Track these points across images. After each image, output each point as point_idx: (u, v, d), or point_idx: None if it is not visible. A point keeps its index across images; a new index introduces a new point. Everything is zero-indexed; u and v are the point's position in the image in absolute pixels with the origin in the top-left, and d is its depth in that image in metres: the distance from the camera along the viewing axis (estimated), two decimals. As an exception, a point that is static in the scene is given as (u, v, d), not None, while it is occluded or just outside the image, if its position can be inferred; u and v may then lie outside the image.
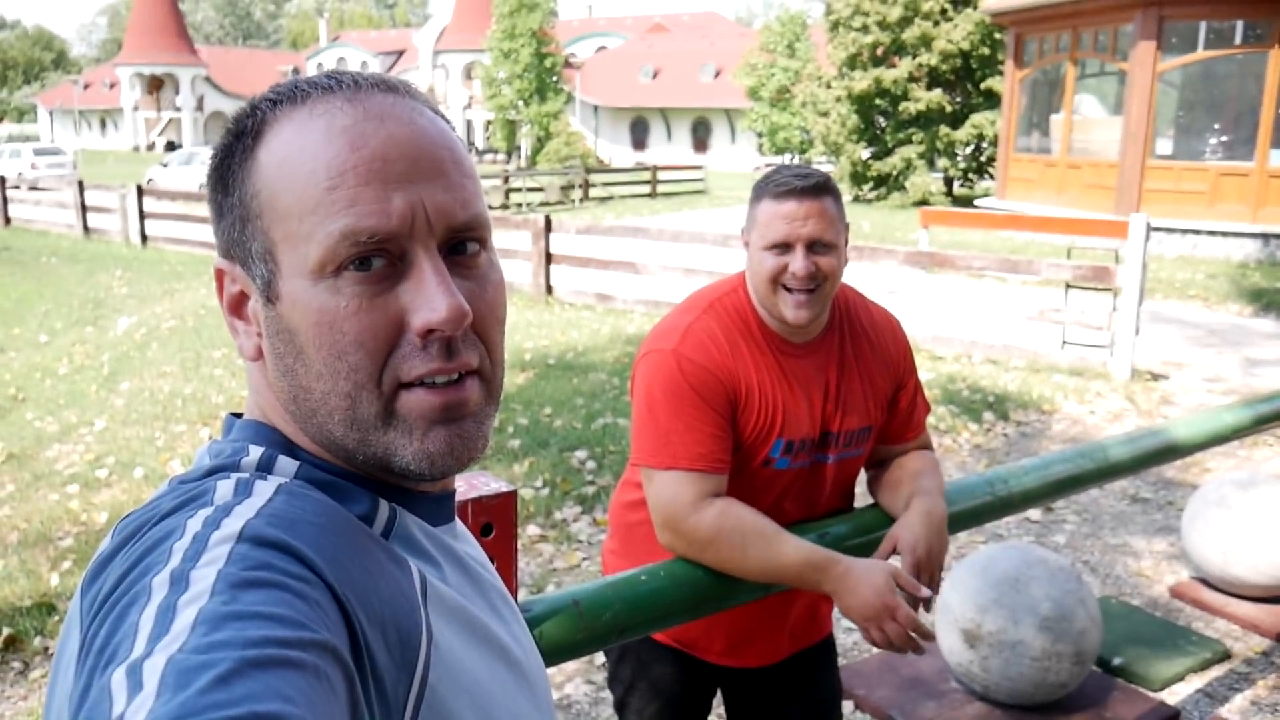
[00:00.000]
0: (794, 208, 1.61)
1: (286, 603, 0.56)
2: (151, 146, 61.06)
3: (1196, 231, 14.50)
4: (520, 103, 40.08)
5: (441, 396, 0.70)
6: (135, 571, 0.60)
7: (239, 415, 0.78)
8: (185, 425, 6.03)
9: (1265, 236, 14.11)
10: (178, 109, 61.54)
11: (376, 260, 0.68)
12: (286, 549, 0.60)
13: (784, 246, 1.61)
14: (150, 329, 9.14)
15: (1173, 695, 3.33)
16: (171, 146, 57.13)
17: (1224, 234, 14.36)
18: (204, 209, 17.35)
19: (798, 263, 1.60)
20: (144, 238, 15.89)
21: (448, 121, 0.76)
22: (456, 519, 0.85)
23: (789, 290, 1.61)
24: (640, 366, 1.67)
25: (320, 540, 0.63)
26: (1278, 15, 13.90)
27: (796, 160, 37.16)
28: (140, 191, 16.14)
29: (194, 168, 28.12)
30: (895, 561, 1.62)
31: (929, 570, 1.60)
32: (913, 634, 1.55)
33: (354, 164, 0.68)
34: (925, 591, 1.58)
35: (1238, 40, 14.46)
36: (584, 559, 4.28)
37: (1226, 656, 3.58)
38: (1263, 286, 11.88)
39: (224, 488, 0.66)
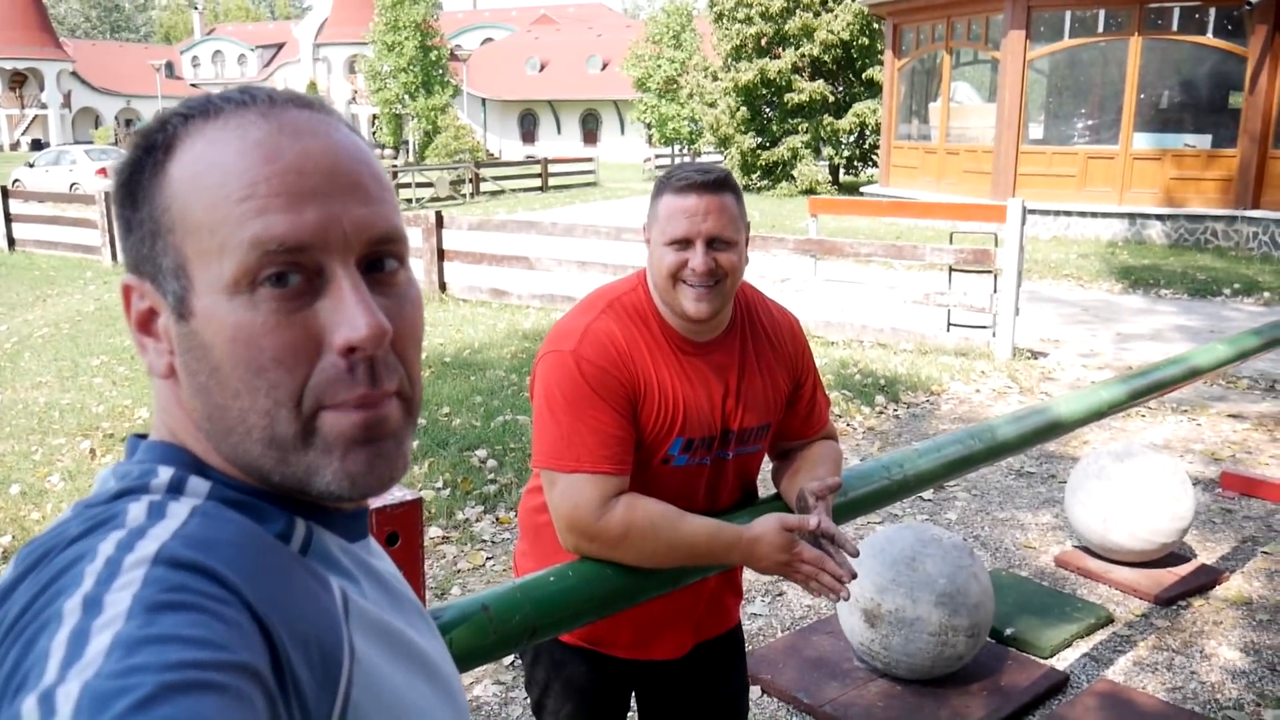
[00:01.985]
0: (694, 203, 1.61)
1: (205, 625, 0.55)
2: (16, 145, 58.17)
3: (1068, 213, 15.12)
4: (406, 96, 39.45)
5: (363, 418, 0.69)
6: (44, 597, 0.57)
7: (143, 436, 0.76)
8: (64, 438, 5.78)
9: (1131, 216, 14.80)
10: (43, 105, 58.75)
11: (293, 277, 0.67)
12: (204, 570, 0.59)
13: (684, 242, 1.62)
14: (22, 338, 8.73)
15: (1062, 661, 3.48)
16: (38, 145, 54.49)
17: (1094, 215, 15.01)
18: (76, 210, 16.64)
19: (697, 259, 1.60)
20: (11, 242, 15.14)
21: (364, 139, 0.75)
22: (370, 535, 0.84)
23: (688, 285, 1.62)
24: (539, 368, 1.66)
25: (238, 560, 0.62)
26: (1137, 4, 14.56)
27: (686, 150, 37.46)
28: (5, 193, 15.36)
29: (63, 167, 26.90)
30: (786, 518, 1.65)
31: (821, 506, 1.65)
32: (836, 564, 1.59)
33: (266, 175, 0.67)
34: (812, 521, 1.61)
35: (1101, 29, 15.09)
36: (488, 559, 4.26)
37: (1110, 621, 3.76)
38: (1130, 264, 12.46)
39: (136, 510, 0.64)
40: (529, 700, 1.96)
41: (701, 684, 1.94)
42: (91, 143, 43.65)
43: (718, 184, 1.63)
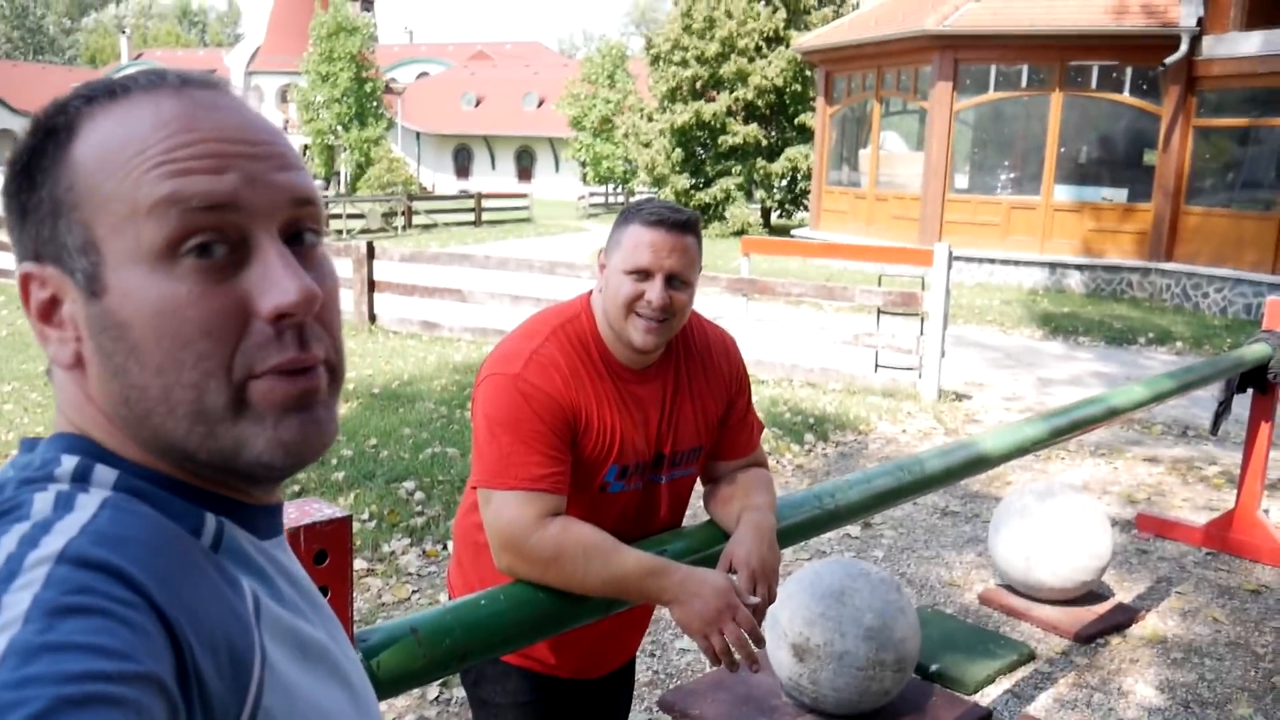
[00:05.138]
0: (662, 238, 1.64)
1: (109, 631, 0.52)
2: (-72, 166, 56.35)
3: (992, 260, 15.53)
4: (339, 127, 39.12)
5: (294, 385, 0.68)
6: None
7: (37, 440, 0.72)
8: (-30, 465, 5.56)
9: (1051, 265, 15.25)
10: (-41, 126, 57.06)
11: (217, 247, 0.65)
12: (111, 570, 0.56)
13: (645, 274, 1.64)
14: (-72, 362, 8.39)
15: (985, 697, 3.52)
16: (-49, 166, 52.87)
17: (1016, 263, 15.43)
18: (-10, 233, 16.11)
19: (655, 292, 1.63)
20: (-81, 264, 14.59)
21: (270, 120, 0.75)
22: (284, 535, 0.81)
23: (640, 316, 1.65)
24: (481, 390, 1.66)
25: (149, 559, 0.59)
26: (1058, 60, 15.11)
27: (620, 190, 37.73)
28: (-85, 213, 14.82)
29: (-22, 189, 26.10)
30: (732, 578, 1.66)
31: (764, 581, 1.64)
32: (749, 641, 1.58)
33: (186, 142, 0.65)
34: (753, 599, 1.61)
35: (1024, 83, 15.62)
36: (414, 591, 4.18)
37: (1032, 657, 3.81)
38: (1051, 311, 12.81)
39: (42, 501, 0.61)
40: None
41: (621, 697, 2.05)
42: (10, 164, 42.45)
43: (686, 225, 1.67)
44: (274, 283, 0.66)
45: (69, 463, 0.67)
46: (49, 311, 0.69)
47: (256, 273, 0.67)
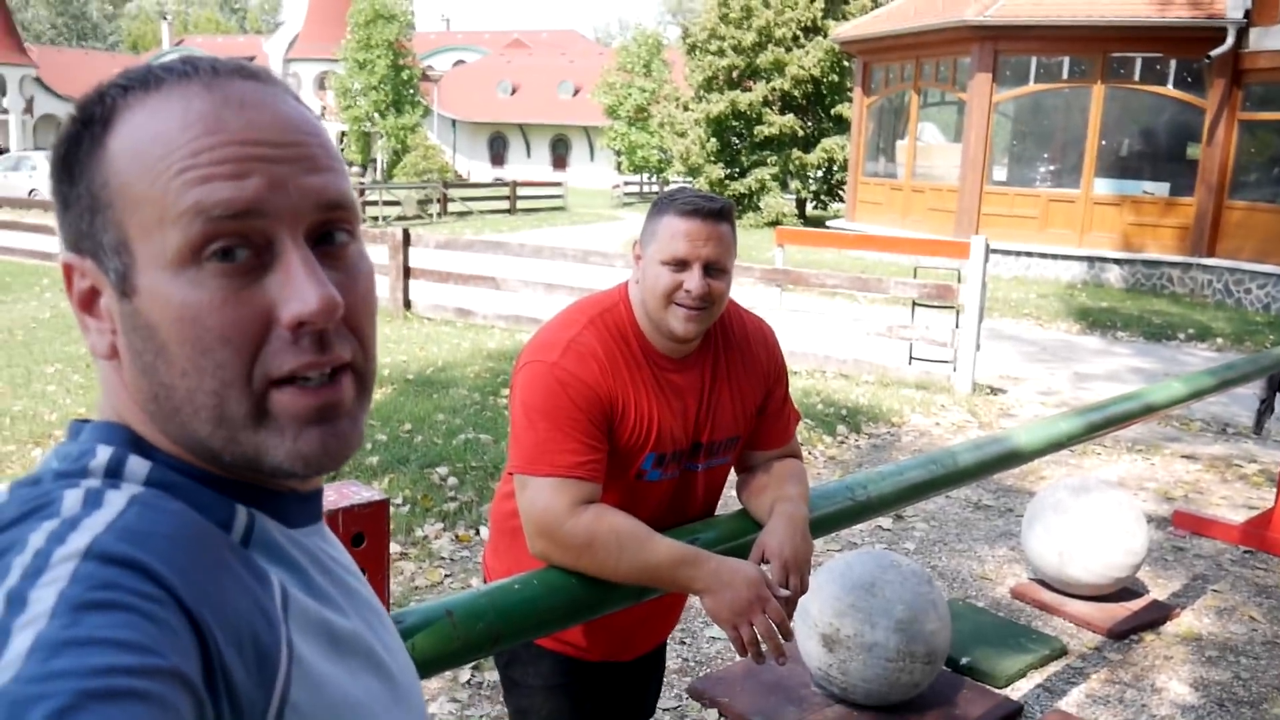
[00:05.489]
0: (698, 227, 1.65)
1: (133, 626, 0.53)
2: (-26, 150, 57.31)
3: (1029, 254, 15.37)
4: (376, 114, 39.36)
5: (315, 398, 0.68)
6: None
7: (86, 421, 0.73)
8: (14, 445, 5.67)
9: (1090, 259, 15.07)
10: (4, 111, 57.91)
11: (240, 251, 0.65)
12: (136, 566, 0.57)
13: (682, 264, 1.65)
14: (-26, 343, 8.56)
15: (1015, 691, 3.50)
16: (-3, 150, 53.75)
17: (1054, 256, 15.27)
18: (34, 216, 16.39)
19: (694, 281, 1.64)
20: (-34, 246, 14.86)
21: (311, 111, 0.73)
22: (323, 522, 0.81)
23: (680, 306, 1.66)
24: (520, 376, 1.68)
25: (174, 554, 0.59)
26: (1100, 53, 14.89)
27: (654, 179, 37.67)
28: (-38, 197, 15.09)
29: (22, 173, 26.52)
30: (764, 569, 1.67)
31: (796, 573, 1.65)
32: (777, 633, 1.59)
33: (210, 145, 0.65)
34: (784, 591, 1.62)
35: (1065, 75, 15.42)
36: (446, 576, 4.22)
37: (1064, 653, 3.79)
38: (1088, 306, 12.67)
39: (71, 498, 0.62)
40: (508, 708, 1.97)
41: (651, 682, 2.08)
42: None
43: (722, 213, 1.68)
44: (295, 291, 0.66)
45: (104, 455, 0.68)
46: (89, 302, 0.70)
47: (279, 279, 0.66)
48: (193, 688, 0.54)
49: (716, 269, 1.67)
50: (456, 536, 4.62)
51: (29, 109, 58.95)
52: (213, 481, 0.70)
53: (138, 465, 0.68)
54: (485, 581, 1.85)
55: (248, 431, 0.67)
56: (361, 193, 23.90)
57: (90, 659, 0.50)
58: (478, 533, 4.65)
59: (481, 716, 3.24)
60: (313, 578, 0.73)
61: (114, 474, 0.67)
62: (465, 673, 3.43)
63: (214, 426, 0.67)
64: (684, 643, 3.77)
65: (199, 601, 0.58)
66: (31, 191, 25.03)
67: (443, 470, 5.36)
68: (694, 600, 3.29)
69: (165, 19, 78.19)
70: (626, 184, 37.59)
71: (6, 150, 52.11)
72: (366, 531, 1.29)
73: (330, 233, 0.70)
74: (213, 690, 0.57)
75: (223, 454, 0.68)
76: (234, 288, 0.65)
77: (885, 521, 5.05)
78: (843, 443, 6.50)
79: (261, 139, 0.67)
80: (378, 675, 0.74)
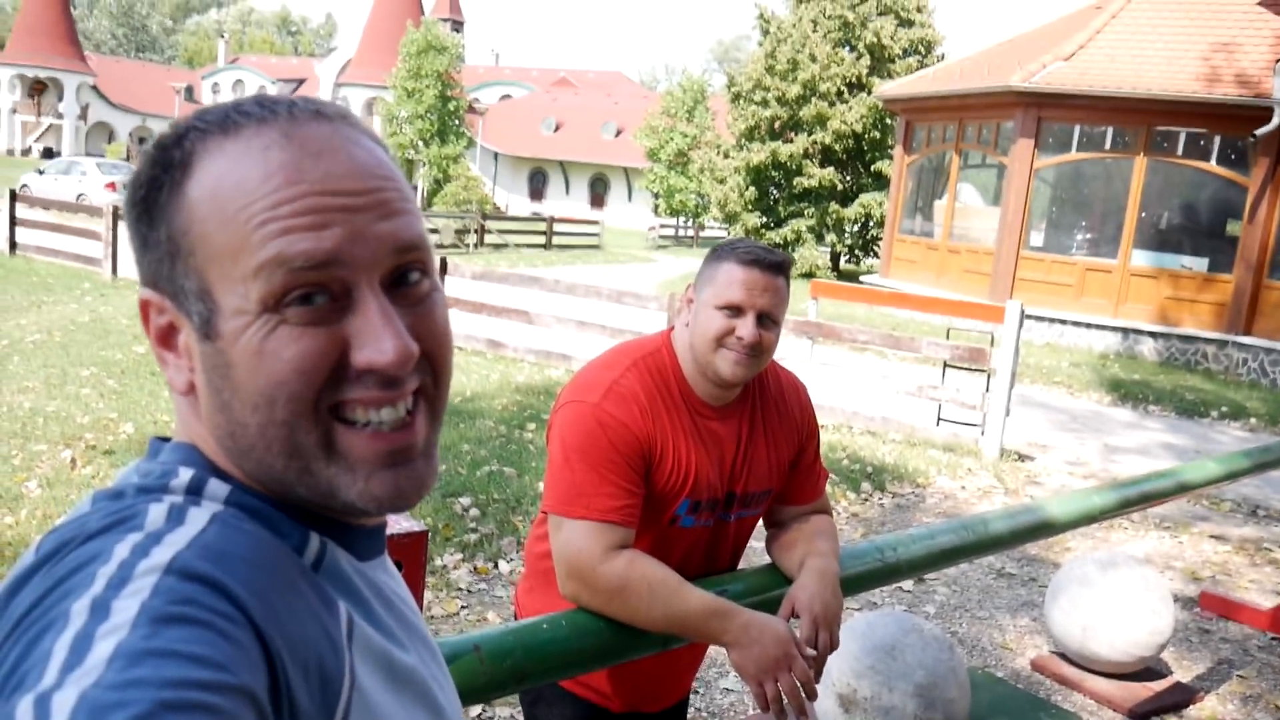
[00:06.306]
0: (756, 277, 1.67)
1: (209, 642, 0.55)
2: (28, 151, 58.49)
3: (1063, 321, 15.28)
4: (420, 143, 39.85)
5: (388, 444, 0.69)
6: (54, 594, 0.57)
7: (165, 439, 0.75)
8: (45, 445, 5.74)
9: (1125, 330, 14.95)
10: (59, 116, 59.21)
11: (319, 297, 0.67)
12: (214, 584, 0.59)
13: (737, 310, 1.67)
14: (13, 342, 8.69)
15: (1031, 766, 3.44)
16: (49, 154, 54.84)
17: (1088, 325, 15.16)
18: (80, 220, 16.66)
19: (747, 329, 1.66)
20: (13, 245, 15.13)
21: (385, 148, 0.75)
22: (386, 554, 0.83)
23: (730, 350, 1.67)
24: (559, 416, 1.68)
25: (250, 576, 0.61)
26: (1144, 125, 14.88)
27: (690, 223, 37.86)
28: (13, 196, 15.39)
29: (73, 177, 27.04)
30: (794, 624, 1.66)
31: (826, 628, 1.64)
32: (801, 692, 1.58)
33: (290, 198, 0.66)
34: (811, 651, 1.61)
35: (1108, 145, 15.40)
36: (463, 607, 4.21)
37: (1082, 730, 3.72)
38: (1121, 378, 12.56)
39: (156, 512, 0.64)
40: None
41: None
42: (104, 156, 43.95)
43: (781, 266, 1.71)
44: (372, 338, 0.68)
45: (185, 475, 0.70)
46: (167, 337, 0.72)
47: (358, 323, 0.68)
48: (259, 706, 0.56)
49: (770, 320, 1.69)
50: (475, 568, 4.61)
51: (83, 115, 60.25)
52: (287, 508, 0.71)
53: (218, 486, 0.70)
54: (515, 618, 1.85)
55: (320, 463, 0.69)
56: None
57: (167, 670, 0.52)
58: (496, 566, 4.65)
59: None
60: (376, 610, 0.75)
61: (195, 492, 0.69)
62: (475, 709, 3.41)
63: (287, 459, 0.69)
64: (697, 692, 3.73)
65: (270, 623, 0.60)
66: (80, 196, 25.48)
67: (465, 501, 5.37)
68: (709, 650, 3.26)
69: (223, 37, 79.80)
70: (662, 226, 37.80)
71: (58, 154, 53.20)
72: (405, 560, 1.30)
73: (405, 273, 0.71)
74: (278, 710, 0.59)
75: (297, 486, 0.70)
76: (312, 325, 0.67)
77: (907, 583, 5.00)
78: (866, 500, 6.45)
79: (339, 188, 0.68)
80: (429, 710, 0.76)
